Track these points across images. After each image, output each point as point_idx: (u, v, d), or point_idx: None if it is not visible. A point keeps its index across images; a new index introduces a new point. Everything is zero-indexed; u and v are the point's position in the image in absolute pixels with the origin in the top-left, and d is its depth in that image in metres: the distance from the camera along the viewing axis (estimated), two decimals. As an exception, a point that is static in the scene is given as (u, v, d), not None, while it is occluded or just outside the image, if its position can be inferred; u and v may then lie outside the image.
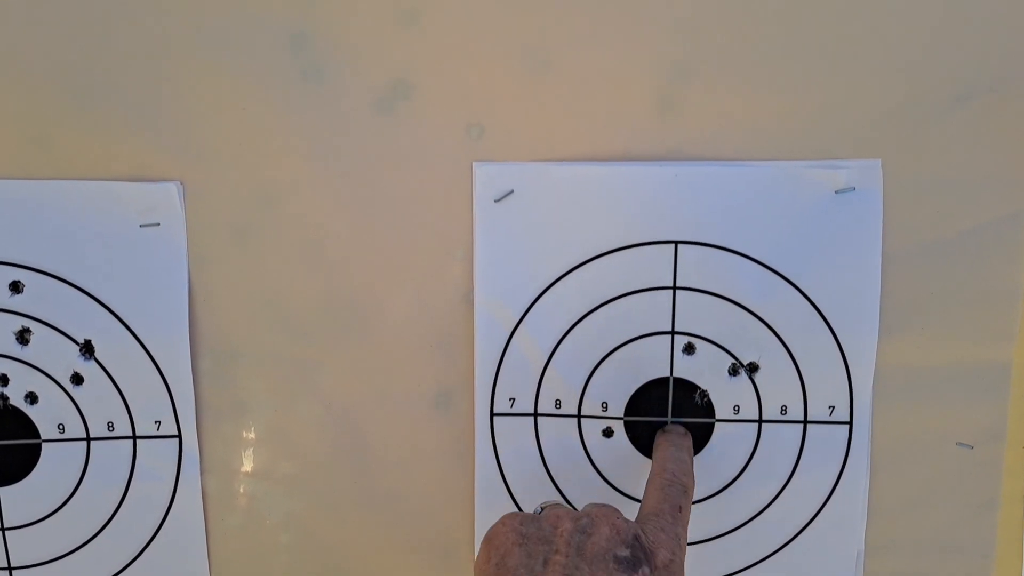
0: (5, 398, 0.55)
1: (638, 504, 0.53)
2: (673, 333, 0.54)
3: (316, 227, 0.54)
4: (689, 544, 0.56)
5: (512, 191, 0.53)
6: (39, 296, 0.54)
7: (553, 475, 0.57)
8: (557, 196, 0.53)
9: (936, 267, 0.53)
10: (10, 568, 0.57)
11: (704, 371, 0.55)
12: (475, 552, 0.57)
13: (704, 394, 0.55)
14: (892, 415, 0.55)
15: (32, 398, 0.55)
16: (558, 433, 0.56)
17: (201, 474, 0.57)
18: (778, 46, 0.51)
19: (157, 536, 0.57)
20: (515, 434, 0.56)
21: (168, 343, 0.55)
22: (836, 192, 0.53)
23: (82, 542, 0.57)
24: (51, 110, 0.52)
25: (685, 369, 0.55)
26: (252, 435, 0.57)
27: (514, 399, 0.56)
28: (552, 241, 0.54)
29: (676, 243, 0.53)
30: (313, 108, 0.53)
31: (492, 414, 0.56)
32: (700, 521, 0.56)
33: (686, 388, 0.55)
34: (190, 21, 0.51)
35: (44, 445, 0.56)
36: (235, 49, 0.52)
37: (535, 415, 0.56)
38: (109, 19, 0.51)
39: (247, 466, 0.57)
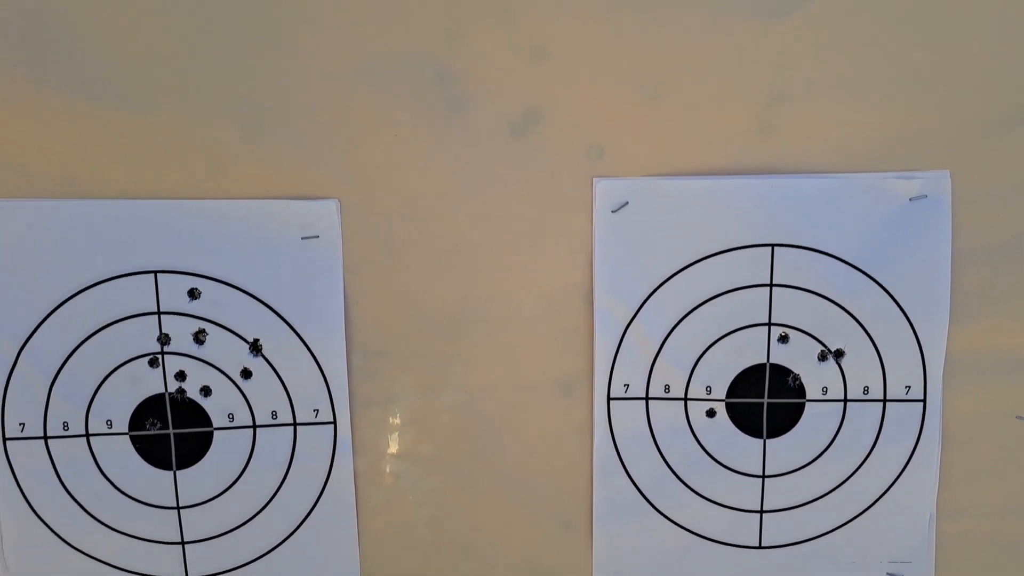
0: (183, 391, 0.63)
1: (732, 474, 0.61)
2: (770, 325, 0.62)
3: (456, 238, 0.62)
4: (779, 511, 0.64)
5: (627, 203, 0.61)
6: (213, 301, 0.62)
7: (663, 451, 0.64)
8: (667, 207, 0.61)
9: (999, 264, 0.61)
10: (183, 543, 0.65)
11: (797, 358, 0.63)
12: (592, 524, 0.65)
13: (796, 378, 0.63)
14: (961, 393, 0.63)
15: (206, 391, 0.63)
16: (667, 414, 0.64)
17: (353, 456, 0.65)
18: (860, 73, 0.59)
19: (314, 511, 0.65)
20: (629, 416, 0.64)
21: (326, 341, 0.62)
22: (910, 200, 0.60)
23: (248, 518, 0.65)
24: (227, 139, 0.60)
25: (780, 356, 0.63)
26: (397, 421, 0.64)
27: (628, 385, 0.63)
28: (663, 246, 0.62)
29: (773, 246, 0.61)
30: (455, 133, 0.61)
31: (609, 399, 0.64)
32: (790, 491, 0.64)
33: (781, 373, 0.63)
34: (349, 59, 0.59)
35: (216, 433, 0.63)
36: (388, 82, 0.60)
37: (647, 399, 0.64)
38: (277, 58, 0.59)
39: (393, 449, 0.65)
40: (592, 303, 0.62)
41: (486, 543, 0.66)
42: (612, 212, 0.61)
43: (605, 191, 0.61)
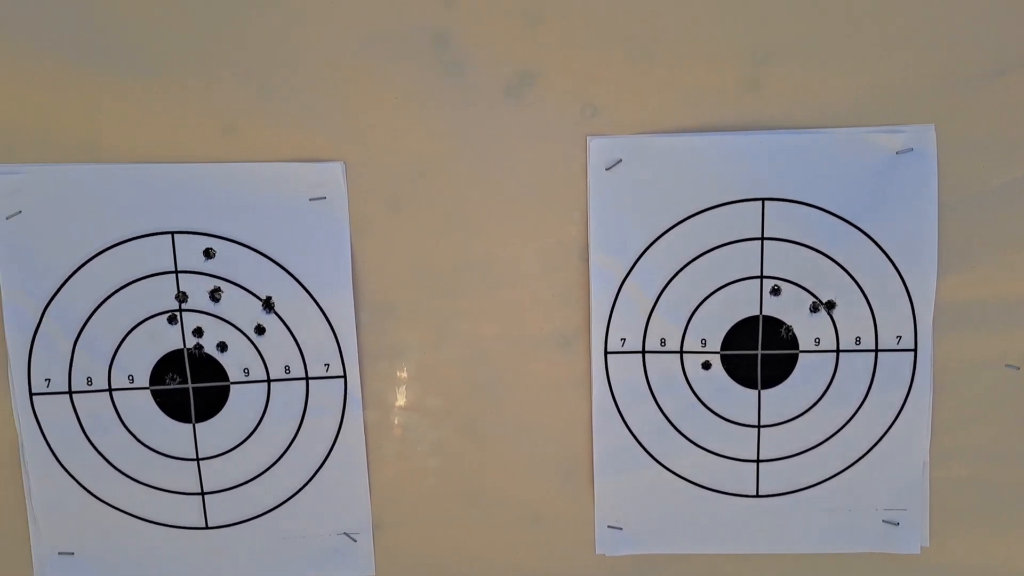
0: (200, 347, 0.66)
1: (728, 424, 0.64)
2: (762, 278, 0.64)
3: (456, 197, 0.65)
4: (775, 460, 0.66)
5: (621, 160, 0.64)
6: (228, 260, 0.65)
7: (660, 403, 0.67)
8: (659, 163, 0.63)
9: (984, 214, 0.63)
10: (203, 493, 0.68)
11: (789, 309, 0.65)
12: (593, 474, 0.68)
13: (789, 329, 0.65)
14: (951, 342, 0.65)
15: (222, 347, 0.66)
16: (664, 367, 0.66)
17: (363, 409, 0.67)
18: (845, 31, 0.61)
19: (326, 462, 0.68)
20: (626, 369, 0.66)
21: (334, 298, 0.65)
22: (897, 153, 0.62)
23: (264, 468, 0.68)
24: (239, 104, 0.63)
25: (772, 308, 0.65)
26: (405, 375, 0.67)
27: (625, 339, 0.66)
28: (656, 202, 0.64)
29: (763, 200, 0.63)
30: (453, 96, 0.63)
31: (606, 352, 0.66)
32: (786, 440, 0.66)
33: (773, 325, 0.65)
34: (352, 25, 0.62)
35: (232, 387, 0.67)
36: (388, 48, 0.62)
37: (643, 352, 0.66)
38: (284, 25, 0.62)
39: (401, 401, 0.68)
40: (588, 260, 0.65)
41: (492, 492, 0.68)
42: (606, 170, 0.63)
43: (599, 149, 0.63)
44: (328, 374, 0.66)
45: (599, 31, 0.61)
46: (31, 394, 0.65)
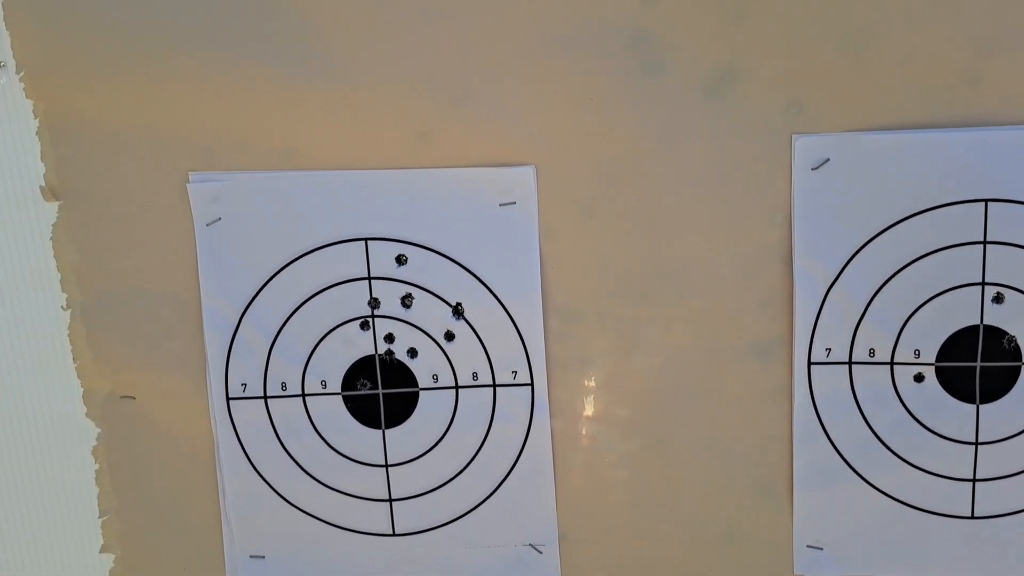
0: (391, 353, 0.66)
1: (942, 440, 0.60)
2: (984, 284, 0.60)
3: (651, 200, 0.62)
4: (993, 479, 0.62)
5: (828, 159, 0.60)
6: (419, 267, 0.64)
7: (867, 417, 0.63)
8: (870, 163, 0.60)
9: None
10: (391, 499, 0.68)
11: (1012, 318, 0.60)
12: (792, 491, 0.64)
13: (1012, 340, 0.60)
14: None
15: (412, 353, 0.65)
16: (872, 379, 0.62)
17: (550, 418, 0.66)
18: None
19: (513, 471, 0.67)
20: (831, 381, 0.63)
21: (523, 304, 0.64)
22: None
23: (451, 476, 0.67)
24: (432, 109, 0.62)
25: (994, 317, 0.60)
26: (593, 384, 0.65)
27: (830, 349, 0.62)
28: (866, 203, 0.60)
29: (986, 201, 0.59)
30: (650, 96, 0.61)
31: (810, 363, 0.63)
32: (1006, 458, 0.63)
33: (995, 335, 0.60)
34: (547, 24, 0.60)
35: (421, 393, 0.66)
36: (583, 50, 0.61)
37: (850, 363, 0.62)
38: (480, 31, 0.61)
39: (589, 411, 0.66)
40: (790, 264, 0.61)
41: (683, 507, 0.66)
42: (812, 170, 0.60)
43: (804, 148, 0.60)
44: (515, 381, 0.65)
45: (805, 24, 0.58)
46: (228, 398, 0.66)
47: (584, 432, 0.66)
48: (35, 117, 0.63)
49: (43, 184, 0.64)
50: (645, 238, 0.63)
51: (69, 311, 0.66)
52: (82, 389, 0.68)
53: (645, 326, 0.64)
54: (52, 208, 0.65)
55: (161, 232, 0.64)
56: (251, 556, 0.68)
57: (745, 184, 0.61)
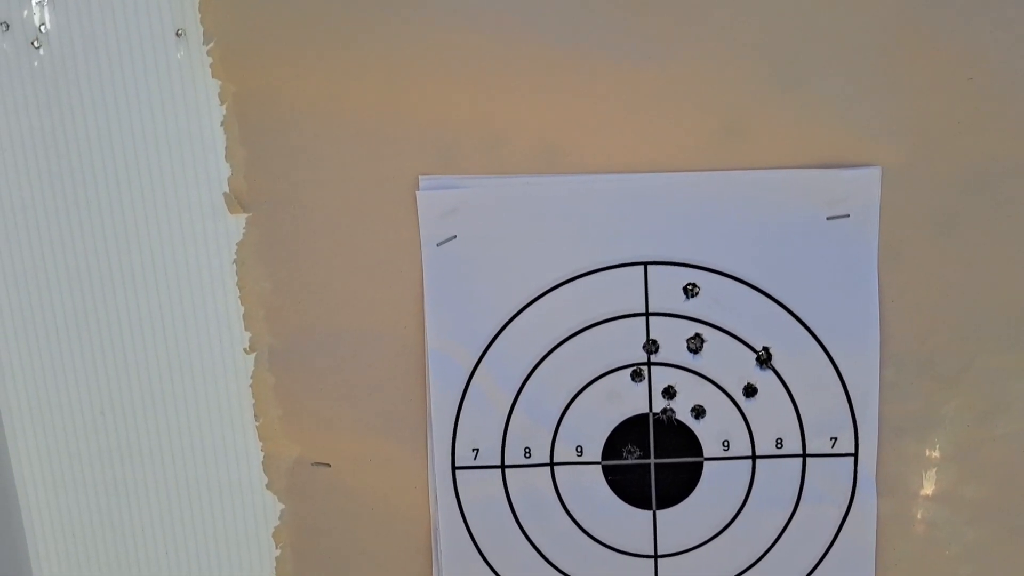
0: (670, 412, 0.50)
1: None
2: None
3: (1035, 213, 0.46)
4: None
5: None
6: (714, 299, 0.49)
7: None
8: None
9: None
10: (656, 597, 0.52)
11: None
12: None
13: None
14: None
15: (698, 412, 0.50)
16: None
17: (876, 496, 0.50)
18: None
19: (821, 565, 0.51)
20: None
21: (854, 349, 0.49)
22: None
23: (739, 572, 0.52)
24: (747, 96, 0.46)
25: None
26: (937, 454, 0.50)
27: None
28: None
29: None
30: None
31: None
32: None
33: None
34: None
35: (706, 464, 0.51)
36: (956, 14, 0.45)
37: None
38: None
39: (928, 489, 0.51)
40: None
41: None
42: None
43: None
44: (834, 451, 0.50)
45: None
46: (453, 467, 0.51)
47: (919, 516, 0.51)
48: (221, 103, 0.47)
49: (227, 191, 0.49)
50: (1022, 265, 0.47)
51: (253, 355, 0.51)
52: (263, 454, 0.52)
53: (1015, 381, 0.48)
54: (237, 222, 0.49)
55: (377, 255, 0.49)
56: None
57: None
